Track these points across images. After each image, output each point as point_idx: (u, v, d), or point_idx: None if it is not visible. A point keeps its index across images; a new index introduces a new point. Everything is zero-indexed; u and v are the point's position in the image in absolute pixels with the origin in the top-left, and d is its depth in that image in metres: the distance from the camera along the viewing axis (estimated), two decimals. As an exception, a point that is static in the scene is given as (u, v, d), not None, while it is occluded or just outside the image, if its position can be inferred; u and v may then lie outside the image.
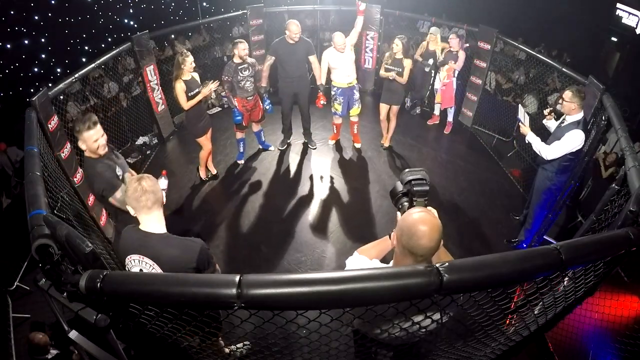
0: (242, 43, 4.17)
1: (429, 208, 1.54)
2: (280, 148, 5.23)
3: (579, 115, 3.22)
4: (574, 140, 3.16)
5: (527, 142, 3.51)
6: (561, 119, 3.43)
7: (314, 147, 5.25)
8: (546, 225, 3.87)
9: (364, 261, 1.64)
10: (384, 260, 1.69)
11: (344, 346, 1.29)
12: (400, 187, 1.67)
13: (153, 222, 1.86)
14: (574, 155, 3.27)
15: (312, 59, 4.56)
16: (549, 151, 3.28)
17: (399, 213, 1.61)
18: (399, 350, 1.75)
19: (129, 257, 1.91)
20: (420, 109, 6.06)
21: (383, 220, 4.13)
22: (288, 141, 5.29)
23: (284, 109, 4.91)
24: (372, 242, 1.76)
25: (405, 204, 1.63)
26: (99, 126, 2.49)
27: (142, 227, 1.87)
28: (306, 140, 5.28)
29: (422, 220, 1.36)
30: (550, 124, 3.58)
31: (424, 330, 1.32)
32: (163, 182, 2.48)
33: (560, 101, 3.31)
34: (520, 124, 3.54)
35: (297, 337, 1.21)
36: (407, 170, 1.65)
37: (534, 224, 3.78)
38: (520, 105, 3.89)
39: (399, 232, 1.41)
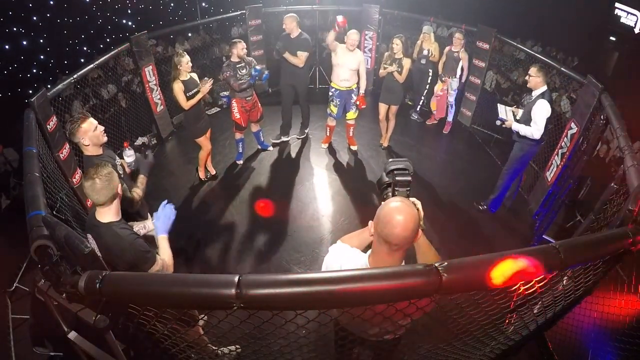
0: (240, 42, 4.22)
1: (412, 199, 1.53)
2: (274, 141, 5.23)
3: (543, 88, 3.60)
4: (543, 110, 3.53)
5: (514, 132, 3.76)
6: (529, 96, 3.78)
7: (302, 137, 5.36)
8: (545, 224, 3.88)
9: (345, 249, 1.64)
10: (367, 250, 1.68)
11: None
12: (385, 178, 1.65)
13: (99, 211, 1.99)
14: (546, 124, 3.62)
15: (300, 53, 4.60)
16: (534, 131, 3.58)
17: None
18: (381, 349, 1.75)
19: (88, 234, 2.09)
20: (418, 115, 6.08)
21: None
22: (283, 138, 5.30)
23: (284, 102, 4.96)
24: (356, 231, 1.76)
25: (390, 194, 1.61)
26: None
27: (96, 212, 2.01)
28: (300, 136, 5.36)
29: (397, 210, 1.37)
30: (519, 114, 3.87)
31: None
32: (128, 153, 2.67)
33: (527, 78, 3.69)
34: (505, 122, 3.79)
35: (296, 336, 1.21)
36: (390, 160, 1.64)
37: (502, 191, 4.15)
38: (499, 104, 4.08)
39: (376, 221, 1.43)
